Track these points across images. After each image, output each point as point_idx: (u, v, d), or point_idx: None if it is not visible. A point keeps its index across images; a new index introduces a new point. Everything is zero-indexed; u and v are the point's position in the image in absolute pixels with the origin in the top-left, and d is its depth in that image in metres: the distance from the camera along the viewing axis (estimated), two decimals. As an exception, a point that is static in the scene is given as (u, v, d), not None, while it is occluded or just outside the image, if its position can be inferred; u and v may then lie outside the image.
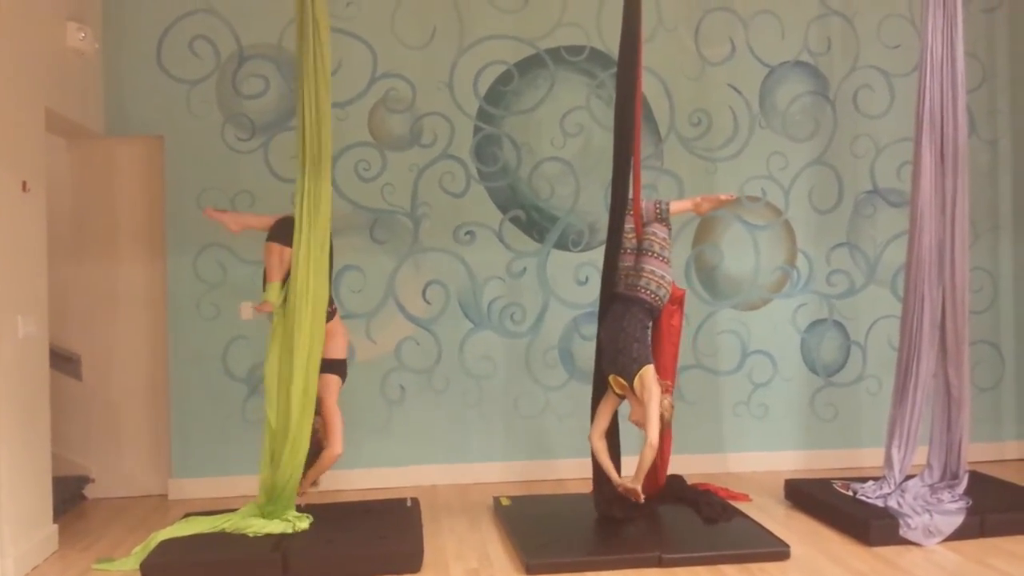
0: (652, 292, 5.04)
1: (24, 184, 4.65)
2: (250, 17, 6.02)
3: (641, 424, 4.92)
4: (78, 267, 5.97)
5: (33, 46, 4.82)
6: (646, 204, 5.23)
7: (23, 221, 4.66)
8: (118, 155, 6.03)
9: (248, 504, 4.98)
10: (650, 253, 5.11)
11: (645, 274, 5.05)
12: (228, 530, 4.77)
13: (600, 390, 5.16)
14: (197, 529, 4.77)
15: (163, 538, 4.66)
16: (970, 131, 5.98)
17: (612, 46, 6.28)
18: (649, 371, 4.88)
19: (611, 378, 5.00)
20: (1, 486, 4.37)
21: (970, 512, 4.96)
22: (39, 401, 4.83)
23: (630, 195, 5.14)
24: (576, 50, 6.35)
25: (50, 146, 5.37)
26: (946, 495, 5.12)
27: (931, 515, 4.90)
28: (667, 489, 5.43)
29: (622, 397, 5.05)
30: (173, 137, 5.97)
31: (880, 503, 5.09)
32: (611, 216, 5.13)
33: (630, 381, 4.89)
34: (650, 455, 4.81)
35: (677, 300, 5.26)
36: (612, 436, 5.17)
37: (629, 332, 4.95)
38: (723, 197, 5.47)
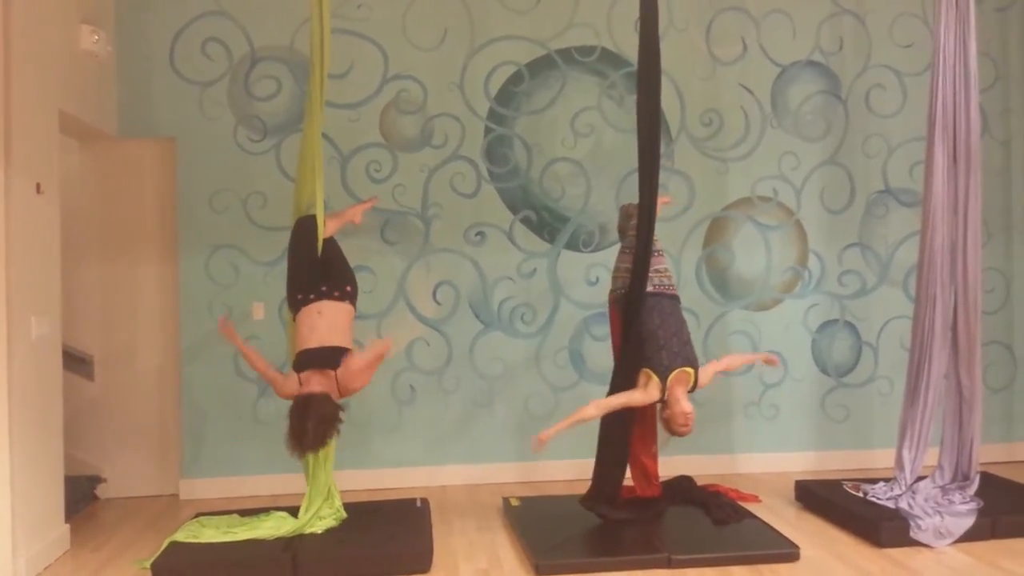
0: (676, 288, 5.15)
1: (38, 186, 4.69)
2: (262, 19, 6.04)
3: (686, 421, 4.78)
4: (91, 268, 6.00)
5: (47, 49, 4.85)
6: None
7: (37, 223, 4.69)
8: (131, 157, 6.06)
9: (276, 515, 4.97)
10: (662, 253, 5.19)
11: (669, 274, 5.14)
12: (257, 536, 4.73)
13: (628, 387, 4.88)
14: (219, 537, 4.69)
15: (182, 540, 4.64)
16: (982, 130, 5.96)
17: (623, 46, 6.30)
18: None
19: (672, 376, 4.77)
20: (13, 486, 4.40)
21: (981, 513, 4.94)
22: (52, 401, 4.86)
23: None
24: (587, 50, 6.34)
25: (64, 148, 5.40)
26: (957, 496, 5.10)
27: (942, 516, 4.88)
28: (676, 490, 5.43)
29: (660, 400, 4.83)
30: (186, 139, 6.00)
31: (891, 504, 5.07)
32: (640, 217, 4.92)
33: (696, 370, 4.88)
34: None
35: None
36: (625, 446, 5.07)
37: (686, 326, 5.04)
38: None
